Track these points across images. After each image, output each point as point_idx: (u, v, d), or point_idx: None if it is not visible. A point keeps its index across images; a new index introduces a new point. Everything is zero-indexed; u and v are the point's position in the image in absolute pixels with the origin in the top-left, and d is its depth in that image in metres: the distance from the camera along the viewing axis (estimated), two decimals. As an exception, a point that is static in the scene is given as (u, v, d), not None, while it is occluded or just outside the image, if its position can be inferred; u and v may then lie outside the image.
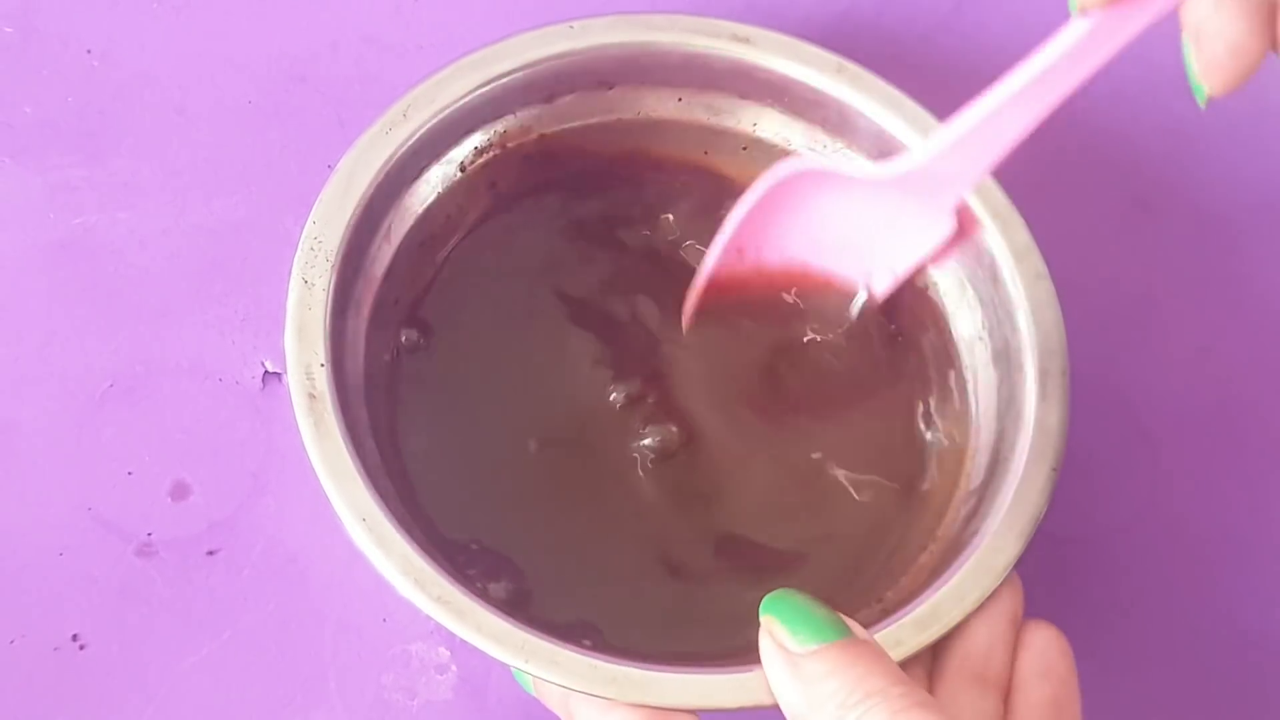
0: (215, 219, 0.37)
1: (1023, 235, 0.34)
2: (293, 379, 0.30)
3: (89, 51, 0.38)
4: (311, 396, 0.29)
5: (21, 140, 0.37)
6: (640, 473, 0.33)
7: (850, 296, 0.36)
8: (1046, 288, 0.33)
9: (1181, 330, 0.39)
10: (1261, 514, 0.38)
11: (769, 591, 0.27)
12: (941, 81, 0.34)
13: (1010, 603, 0.30)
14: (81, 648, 0.32)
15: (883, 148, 0.35)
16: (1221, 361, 0.39)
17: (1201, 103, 0.26)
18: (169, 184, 0.37)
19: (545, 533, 0.33)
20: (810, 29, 0.38)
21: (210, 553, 0.34)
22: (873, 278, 0.35)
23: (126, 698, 0.32)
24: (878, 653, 0.26)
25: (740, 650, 0.29)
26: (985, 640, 0.29)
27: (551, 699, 0.29)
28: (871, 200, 0.33)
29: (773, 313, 0.36)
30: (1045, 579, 0.34)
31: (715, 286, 0.35)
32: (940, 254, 0.34)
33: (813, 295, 0.36)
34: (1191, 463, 0.38)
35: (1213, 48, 0.25)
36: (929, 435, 0.35)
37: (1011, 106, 0.29)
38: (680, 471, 0.34)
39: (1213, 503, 0.38)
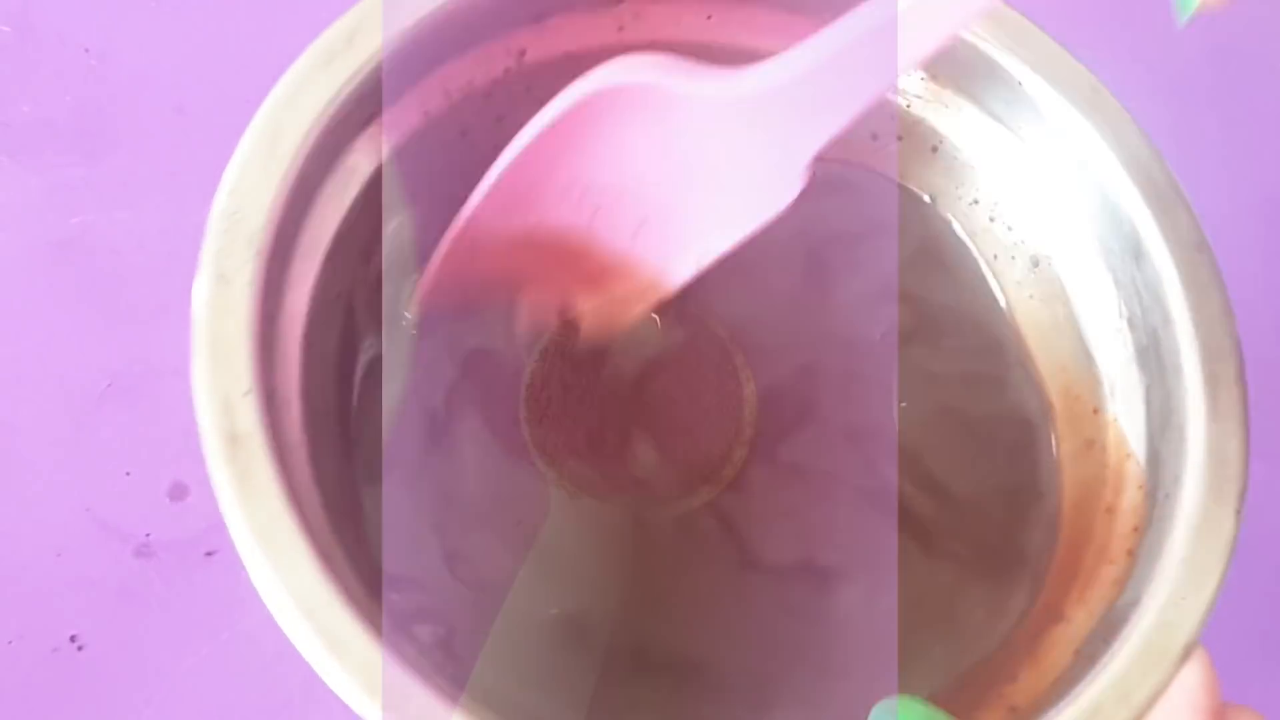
0: (214, 219, 0.37)
1: (1171, 191, 0.25)
2: (204, 417, 0.21)
3: (87, 50, 0.38)
4: (232, 439, 0.21)
5: (20, 139, 0.37)
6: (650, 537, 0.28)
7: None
8: (1208, 264, 0.25)
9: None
10: (1261, 514, 0.38)
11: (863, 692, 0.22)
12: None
13: (1200, 693, 0.23)
14: (80, 648, 0.32)
15: (963, 70, 0.27)
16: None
17: (1183, 20, 0.21)
18: (168, 184, 0.37)
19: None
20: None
21: (209, 553, 0.34)
22: (676, 260, 0.26)
23: (125, 698, 0.32)
24: None
25: None
26: None
27: None
28: (704, 141, 0.24)
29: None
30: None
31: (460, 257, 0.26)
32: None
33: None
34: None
35: None
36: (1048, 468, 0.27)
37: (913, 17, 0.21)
38: (713, 532, 0.28)
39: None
